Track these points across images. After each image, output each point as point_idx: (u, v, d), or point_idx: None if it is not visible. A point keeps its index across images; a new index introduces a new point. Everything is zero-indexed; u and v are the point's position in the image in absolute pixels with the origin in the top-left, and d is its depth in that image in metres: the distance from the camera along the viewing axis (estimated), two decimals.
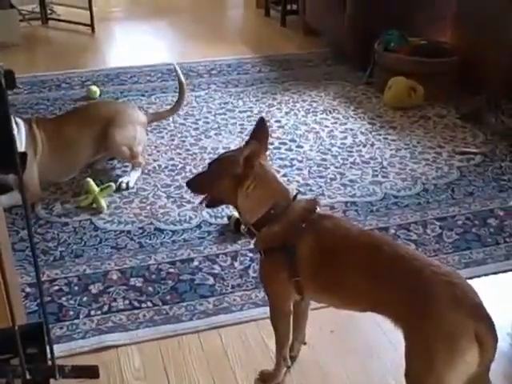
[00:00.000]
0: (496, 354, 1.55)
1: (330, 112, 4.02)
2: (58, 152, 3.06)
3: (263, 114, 3.95)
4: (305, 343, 2.14)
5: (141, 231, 2.79)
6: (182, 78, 3.59)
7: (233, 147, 3.28)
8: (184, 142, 3.61)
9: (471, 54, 4.09)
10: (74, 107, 3.88)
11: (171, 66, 4.65)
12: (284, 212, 1.78)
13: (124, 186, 3.11)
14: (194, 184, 1.94)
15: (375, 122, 3.88)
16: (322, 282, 1.77)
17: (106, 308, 2.33)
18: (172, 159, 3.41)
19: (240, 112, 3.99)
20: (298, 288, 1.80)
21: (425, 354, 1.52)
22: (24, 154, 0.97)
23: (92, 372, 1.25)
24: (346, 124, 3.86)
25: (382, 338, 2.19)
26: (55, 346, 2.07)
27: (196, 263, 2.58)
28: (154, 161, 3.39)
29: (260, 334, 2.22)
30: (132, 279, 2.48)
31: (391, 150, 3.54)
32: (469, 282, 2.20)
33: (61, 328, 2.23)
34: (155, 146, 3.55)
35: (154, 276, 2.50)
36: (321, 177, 3.25)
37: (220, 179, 1.83)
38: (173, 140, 3.63)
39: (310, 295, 1.87)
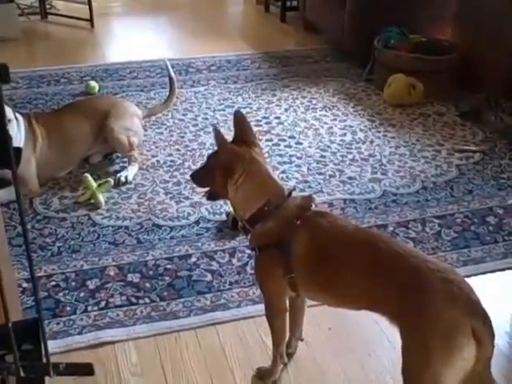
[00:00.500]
0: (494, 353, 1.54)
1: (329, 109, 4.01)
2: (57, 146, 3.08)
3: (262, 111, 3.96)
4: (302, 340, 2.13)
5: (139, 227, 2.78)
6: (173, 73, 3.68)
7: None
8: (183, 137, 3.60)
9: (471, 51, 4.08)
10: (71, 101, 3.87)
11: (171, 62, 4.67)
12: (278, 208, 1.77)
13: (123, 179, 3.11)
14: (195, 177, 1.97)
15: (374, 119, 3.88)
16: (316, 279, 1.76)
17: (103, 304, 2.32)
18: (171, 155, 3.40)
19: (239, 108, 3.96)
20: (293, 285, 1.79)
21: (421, 351, 1.52)
22: (19, 149, 0.96)
23: (87, 369, 1.25)
24: (345, 121, 3.85)
25: (380, 336, 2.18)
26: (52, 342, 2.09)
27: (194, 259, 2.57)
28: (153, 156, 3.39)
29: (257, 330, 2.21)
30: (129, 275, 2.48)
31: (390, 147, 3.53)
32: (467, 280, 2.20)
33: (57, 323, 2.22)
34: (154, 142, 3.54)
35: (151, 272, 2.49)
36: (320, 173, 3.24)
37: (212, 171, 1.84)
38: (171, 136, 3.62)
39: (304, 293, 1.86)
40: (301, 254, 1.73)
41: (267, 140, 3.58)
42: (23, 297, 2.32)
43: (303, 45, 5.22)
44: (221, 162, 1.80)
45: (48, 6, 5.84)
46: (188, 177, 3.15)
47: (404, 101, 4.02)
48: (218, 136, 1.80)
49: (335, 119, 3.87)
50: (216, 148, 1.82)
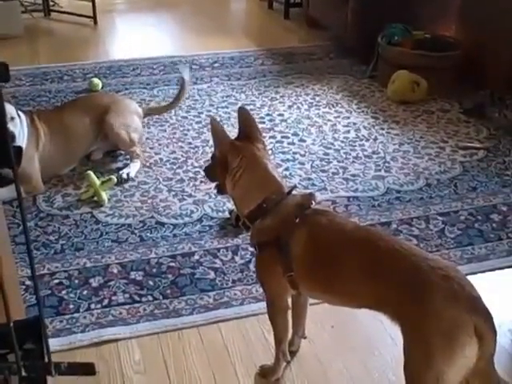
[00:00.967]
0: (497, 350, 1.54)
1: (332, 106, 4.01)
2: (59, 142, 3.09)
3: (266, 108, 3.95)
4: (305, 338, 2.13)
5: (142, 225, 2.78)
6: (188, 77, 3.67)
7: None
8: (186, 135, 3.60)
9: (475, 48, 4.07)
10: (73, 98, 3.88)
11: (174, 59, 4.68)
12: (276, 206, 1.77)
13: (125, 176, 3.12)
14: (205, 170, 1.99)
15: (378, 116, 3.86)
16: (316, 278, 1.76)
17: (106, 302, 2.32)
18: (174, 152, 3.40)
19: (243, 105, 3.96)
20: (293, 283, 1.78)
21: (424, 349, 1.51)
22: (19, 149, 0.96)
23: (88, 369, 1.25)
24: (348, 118, 3.84)
25: (382, 334, 2.18)
26: (55, 340, 2.09)
27: (197, 257, 2.57)
28: (156, 154, 3.38)
29: (260, 328, 2.21)
30: (132, 273, 2.48)
31: (394, 144, 3.52)
32: (471, 277, 2.20)
33: (61, 321, 2.22)
34: (157, 140, 3.54)
35: (154, 270, 2.49)
36: (323, 171, 3.24)
37: (216, 168, 1.86)
38: (174, 133, 3.61)
39: (305, 291, 1.85)
40: (299, 252, 1.72)
41: (270, 137, 3.58)
42: (26, 294, 2.32)
43: (307, 41, 5.20)
44: (218, 156, 1.81)
45: (51, 3, 5.84)
46: (191, 174, 3.17)
47: (408, 98, 4.00)
48: (216, 129, 1.80)
49: (339, 116, 3.87)
50: (221, 143, 1.82)
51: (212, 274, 2.47)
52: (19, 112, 2.95)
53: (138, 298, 2.34)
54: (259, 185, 1.80)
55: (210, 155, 2.00)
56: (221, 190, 1.93)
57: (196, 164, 3.25)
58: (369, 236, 1.71)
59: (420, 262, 1.57)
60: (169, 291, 2.38)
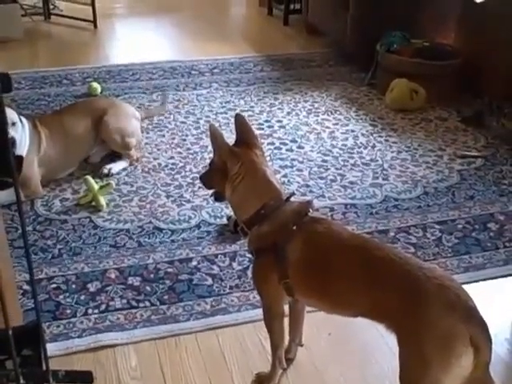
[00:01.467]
0: (493, 360, 1.55)
1: (331, 113, 4.02)
2: (60, 145, 3.12)
3: (264, 114, 3.96)
4: (302, 345, 2.14)
5: (140, 230, 2.78)
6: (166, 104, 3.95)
7: None
8: (185, 140, 3.60)
9: (474, 56, 4.08)
10: (72, 102, 3.90)
11: (173, 64, 4.69)
12: (274, 212, 1.77)
13: (106, 171, 3.17)
14: (202, 178, 1.98)
15: (377, 124, 3.88)
16: (311, 285, 1.76)
17: (103, 307, 2.32)
18: (172, 158, 3.40)
19: (241, 111, 3.96)
20: (288, 290, 1.79)
21: (419, 359, 1.52)
22: (20, 158, 0.97)
23: (86, 377, 1.25)
24: (347, 125, 3.85)
25: (379, 341, 2.18)
26: (52, 345, 2.09)
27: (194, 263, 2.57)
28: (155, 159, 3.39)
29: (257, 335, 2.21)
30: (130, 278, 2.48)
31: (392, 152, 3.53)
32: (467, 286, 2.20)
33: (58, 326, 2.22)
34: (156, 145, 3.54)
35: (152, 275, 2.49)
36: (321, 178, 3.24)
37: (213, 175, 1.86)
38: (173, 139, 3.62)
39: (300, 298, 1.85)
40: (295, 259, 1.73)
41: (269, 143, 3.58)
42: (23, 299, 2.32)
43: (306, 48, 5.22)
44: (217, 163, 1.81)
45: (51, 7, 5.84)
46: (189, 180, 3.17)
47: (406, 106, 4.01)
48: (215, 135, 1.81)
49: (337, 123, 3.87)
50: (219, 150, 1.83)
51: (209, 280, 2.47)
52: (21, 117, 2.98)
53: (135, 304, 2.34)
54: (258, 191, 1.81)
55: (208, 161, 2.01)
56: (218, 197, 1.94)
57: (194, 170, 3.26)
58: (364, 244, 1.72)
59: (415, 271, 1.57)
60: (166, 297, 2.38)
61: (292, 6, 5.90)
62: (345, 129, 3.80)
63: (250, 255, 2.51)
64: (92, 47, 5.26)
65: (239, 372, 2.08)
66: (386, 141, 3.66)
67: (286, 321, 2.00)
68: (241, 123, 1.89)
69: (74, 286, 2.43)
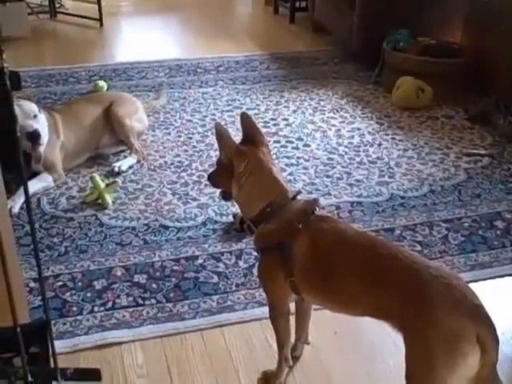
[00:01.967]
0: (500, 358, 1.54)
1: (337, 111, 4.01)
2: (74, 132, 3.23)
3: (270, 112, 3.96)
4: (308, 343, 2.13)
5: (146, 228, 2.79)
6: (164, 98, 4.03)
7: None
8: (191, 138, 3.61)
9: (481, 54, 4.07)
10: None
11: (179, 62, 4.70)
12: (280, 210, 1.77)
13: (116, 169, 3.21)
14: (210, 177, 1.98)
15: (383, 122, 3.87)
16: (317, 283, 1.75)
17: (109, 304, 2.33)
18: (178, 156, 3.41)
19: (247, 109, 3.97)
20: (294, 288, 1.78)
21: (426, 358, 1.51)
22: (28, 154, 0.96)
23: (94, 375, 1.25)
24: (353, 123, 3.84)
25: (386, 340, 2.17)
26: (58, 342, 2.09)
27: (200, 261, 2.57)
28: (161, 157, 3.39)
29: (263, 333, 2.21)
30: (136, 276, 2.48)
31: (398, 150, 3.53)
32: (474, 284, 2.20)
33: (64, 324, 2.22)
34: (162, 143, 3.55)
35: (158, 273, 2.50)
36: (327, 176, 3.24)
37: (221, 173, 1.86)
38: (179, 137, 3.62)
39: (305, 296, 1.85)
40: (301, 257, 1.72)
41: (275, 141, 3.58)
42: (30, 296, 2.33)
43: (312, 46, 5.21)
44: (223, 161, 1.81)
45: (57, 5, 5.87)
46: (195, 178, 3.17)
47: (412, 104, 4.01)
48: (221, 134, 1.80)
49: (343, 121, 3.87)
50: (226, 148, 1.83)
51: (215, 278, 2.47)
52: (19, 99, 3.08)
53: (141, 301, 2.34)
54: (264, 189, 1.80)
55: (214, 159, 2.01)
56: (226, 195, 1.94)
57: (200, 168, 3.26)
58: (370, 243, 1.71)
59: (421, 269, 1.56)
60: (172, 295, 2.38)
61: (298, 4, 5.91)
62: (351, 127, 3.80)
63: (255, 253, 2.52)
64: (98, 45, 5.27)
65: (245, 370, 2.07)
66: (393, 139, 3.66)
67: (293, 319, 2.00)
68: (247, 121, 1.89)
69: (80, 284, 2.43)
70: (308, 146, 3.56)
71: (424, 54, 4.14)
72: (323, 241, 1.73)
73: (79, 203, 2.97)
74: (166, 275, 2.49)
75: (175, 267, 2.53)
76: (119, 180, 3.07)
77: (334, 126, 3.81)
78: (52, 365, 1.17)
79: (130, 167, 3.27)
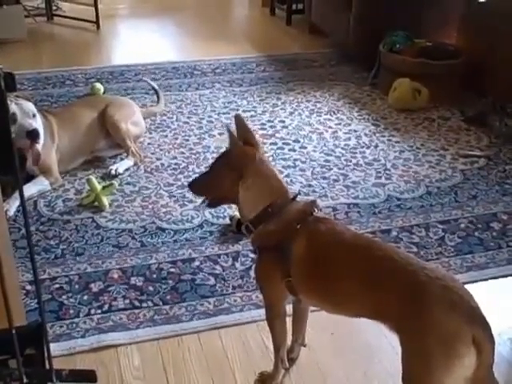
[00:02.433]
0: (497, 359, 1.54)
1: (334, 113, 4.01)
2: (68, 135, 3.22)
3: (267, 114, 3.96)
4: (305, 345, 2.13)
5: (142, 230, 2.79)
6: (155, 85, 3.98)
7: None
8: (187, 140, 3.61)
9: (477, 56, 4.08)
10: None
11: (176, 64, 4.70)
12: (280, 211, 1.78)
13: (113, 172, 3.20)
14: (197, 185, 1.93)
15: (379, 124, 3.87)
16: (314, 284, 1.76)
17: (106, 307, 2.33)
18: (175, 158, 3.41)
19: (244, 111, 3.98)
20: (291, 289, 1.79)
21: (422, 360, 1.51)
22: (23, 155, 0.96)
23: (89, 376, 1.25)
24: (349, 125, 3.85)
25: (382, 341, 2.18)
26: (55, 345, 2.09)
27: (197, 263, 2.57)
28: (157, 159, 3.39)
29: (260, 335, 2.21)
30: (133, 278, 2.48)
31: (395, 151, 3.53)
32: (470, 286, 2.20)
33: (61, 326, 2.22)
34: (158, 145, 3.55)
35: (154, 275, 2.50)
36: (324, 178, 3.24)
37: (221, 175, 1.83)
38: (176, 139, 3.62)
39: (303, 298, 1.85)
40: (299, 258, 1.73)
41: (271, 144, 3.58)
42: (26, 299, 2.33)
43: (308, 48, 5.22)
44: (234, 163, 1.79)
45: (54, 8, 5.85)
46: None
47: (409, 105, 4.01)
48: (232, 137, 1.80)
49: (340, 123, 3.87)
50: (223, 150, 1.82)
51: (212, 280, 2.47)
52: (18, 98, 3.08)
53: (138, 304, 2.34)
54: (268, 189, 1.80)
55: (211, 161, 2.00)
56: (217, 201, 1.93)
57: (197, 170, 3.26)
58: (367, 245, 1.72)
59: (418, 271, 1.57)
60: (169, 297, 2.38)
61: (295, 6, 5.90)
62: (347, 129, 3.80)
63: (253, 254, 2.53)
64: (95, 48, 5.27)
65: (242, 371, 2.08)
66: (389, 140, 3.66)
67: (289, 321, 2.00)
68: (241, 124, 1.88)
69: (76, 287, 2.43)
70: (305, 147, 3.56)
71: (420, 55, 4.14)
72: (321, 242, 1.74)
73: (76, 206, 2.96)
74: (163, 277, 2.49)
75: (172, 269, 2.53)
76: (116, 182, 3.07)
77: (330, 127, 3.81)
78: (47, 366, 1.17)
79: (127, 170, 3.26)
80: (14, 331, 1.08)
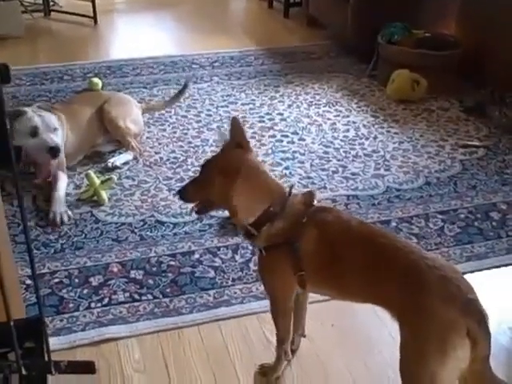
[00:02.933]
0: (496, 349, 1.55)
1: (332, 105, 4.01)
2: (71, 131, 3.19)
3: (265, 107, 3.95)
4: (304, 336, 2.14)
5: (142, 224, 2.79)
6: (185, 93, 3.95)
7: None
8: (186, 134, 3.60)
9: (475, 46, 4.07)
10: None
11: (174, 58, 4.69)
12: (283, 208, 1.76)
13: (110, 165, 3.21)
14: (186, 191, 1.88)
15: (378, 115, 3.87)
16: (324, 274, 1.76)
17: (106, 300, 2.33)
18: (174, 152, 3.40)
19: (242, 104, 3.98)
20: (301, 282, 1.79)
21: (418, 348, 1.53)
22: (19, 148, 0.96)
23: (88, 367, 1.25)
24: (348, 117, 3.84)
25: (382, 332, 2.18)
26: (55, 339, 2.10)
27: (197, 256, 2.57)
28: (156, 153, 3.39)
29: (260, 327, 2.21)
30: (132, 272, 2.48)
31: (394, 143, 3.53)
32: (470, 275, 2.20)
33: (61, 320, 2.23)
34: (157, 139, 3.54)
35: (154, 269, 2.50)
36: (323, 170, 3.24)
37: (211, 179, 1.78)
38: (175, 132, 3.62)
39: (311, 288, 1.86)
40: (310, 250, 1.73)
41: (270, 136, 3.58)
42: (26, 294, 2.33)
43: (306, 40, 5.20)
44: (225, 168, 1.77)
45: (51, 3, 5.83)
46: (191, 173, 3.16)
47: (408, 96, 4.00)
48: (226, 142, 1.80)
49: (338, 115, 3.87)
50: (213, 155, 1.81)
51: (212, 273, 2.47)
52: (40, 109, 3.07)
53: (138, 297, 2.35)
54: (264, 190, 1.79)
55: (210, 154, 2.00)
56: (207, 208, 1.90)
57: (196, 163, 3.25)
58: (372, 232, 1.73)
59: (419, 260, 1.58)
60: (169, 290, 2.38)
61: None
62: (346, 120, 3.80)
63: (252, 248, 2.52)
64: (92, 43, 5.26)
65: (242, 363, 2.08)
66: (388, 132, 3.66)
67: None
68: (236, 126, 1.87)
69: (76, 280, 2.43)
70: (303, 140, 3.56)
71: (419, 46, 4.13)
72: (330, 231, 1.74)
73: (75, 200, 2.96)
74: (163, 270, 2.49)
75: (171, 262, 2.53)
76: (115, 176, 3.06)
77: (329, 119, 3.81)
78: (46, 358, 1.17)
79: (125, 163, 3.26)
80: (12, 323, 1.08)
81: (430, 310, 1.50)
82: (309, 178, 3.16)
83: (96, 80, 4.15)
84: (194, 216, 2.83)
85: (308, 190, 1.92)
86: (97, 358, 2.08)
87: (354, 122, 3.77)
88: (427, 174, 3.21)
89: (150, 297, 2.35)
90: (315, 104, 4.02)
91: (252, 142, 1.93)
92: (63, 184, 3.00)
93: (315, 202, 1.80)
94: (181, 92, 3.87)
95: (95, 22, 5.57)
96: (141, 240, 2.68)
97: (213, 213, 2.84)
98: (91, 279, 2.44)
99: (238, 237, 2.68)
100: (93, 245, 2.64)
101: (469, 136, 3.61)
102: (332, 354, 2.13)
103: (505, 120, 3.68)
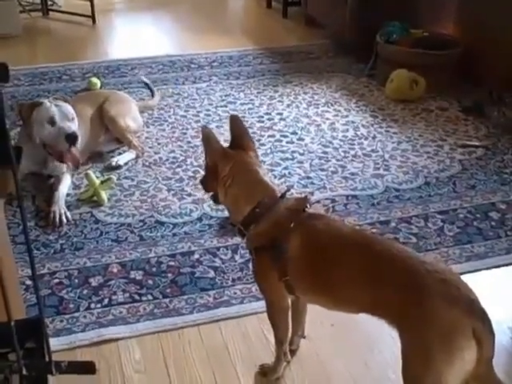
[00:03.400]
0: (497, 349, 1.54)
1: (331, 104, 4.01)
2: (81, 130, 3.16)
3: (264, 107, 3.95)
4: (304, 337, 2.14)
5: (141, 224, 2.79)
6: (146, 80, 4.16)
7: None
8: (185, 134, 3.60)
9: (474, 46, 4.07)
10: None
11: (172, 58, 4.69)
12: (269, 211, 1.76)
13: (114, 164, 3.21)
14: (202, 182, 1.94)
15: (377, 115, 3.87)
16: (312, 282, 1.74)
17: (106, 301, 2.33)
18: (173, 152, 3.40)
19: (241, 104, 3.98)
20: (289, 288, 1.78)
21: (423, 353, 1.51)
22: (19, 149, 0.96)
23: (88, 368, 1.25)
24: (347, 117, 3.85)
25: (382, 332, 2.17)
26: (55, 339, 2.10)
27: (196, 256, 2.57)
28: (155, 153, 3.39)
29: (260, 327, 2.21)
30: (132, 272, 2.48)
31: (393, 142, 3.53)
32: (470, 275, 2.21)
33: (61, 321, 2.23)
34: (156, 139, 3.54)
35: (154, 269, 2.50)
36: (322, 170, 3.24)
37: (207, 174, 1.84)
38: (174, 132, 3.62)
39: (301, 296, 1.85)
40: (295, 256, 1.71)
41: (269, 136, 3.58)
42: (26, 294, 2.33)
43: (305, 40, 5.20)
44: (210, 165, 1.80)
45: (49, 3, 5.83)
46: (190, 173, 3.17)
47: (406, 96, 4.01)
48: (208, 138, 1.79)
49: (337, 115, 3.87)
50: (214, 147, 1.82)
51: (212, 273, 2.47)
52: (57, 100, 3.11)
53: (137, 298, 2.35)
54: (251, 191, 1.79)
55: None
56: (216, 199, 1.92)
57: (195, 163, 3.26)
58: (364, 240, 1.70)
59: (416, 265, 1.56)
60: (169, 290, 2.38)
61: None
62: (345, 120, 3.80)
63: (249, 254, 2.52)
64: (91, 43, 5.25)
65: (243, 363, 2.08)
66: (387, 131, 3.66)
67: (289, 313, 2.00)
68: (235, 125, 1.87)
69: (76, 281, 2.43)
70: (302, 139, 3.56)
71: (417, 46, 4.13)
72: (317, 239, 1.72)
73: (75, 200, 2.96)
74: (163, 271, 2.49)
75: (171, 263, 2.53)
76: (114, 177, 3.06)
77: (328, 119, 3.81)
78: (47, 358, 1.17)
79: (127, 163, 3.26)
80: (12, 323, 1.09)
81: (434, 313, 1.49)
82: (308, 178, 3.16)
83: (95, 80, 4.15)
84: (194, 216, 2.84)
85: (304, 194, 1.92)
86: (97, 359, 2.08)
87: (352, 122, 3.77)
88: (426, 173, 3.21)
89: (149, 297, 2.35)
90: (314, 104, 4.02)
91: None
92: (66, 184, 3.01)
93: (308, 208, 1.78)
94: (151, 89, 4.04)
95: (93, 21, 5.57)
96: (140, 240, 2.68)
97: (213, 213, 2.85)
98: (91, 280, 2.44)
99: (237, 237, 2.68)
100: (92, 245, 2.64)
101: (468, 136, 3.61)
102: (332, 354, 2.13)
103: (503, 119, 3.69)
